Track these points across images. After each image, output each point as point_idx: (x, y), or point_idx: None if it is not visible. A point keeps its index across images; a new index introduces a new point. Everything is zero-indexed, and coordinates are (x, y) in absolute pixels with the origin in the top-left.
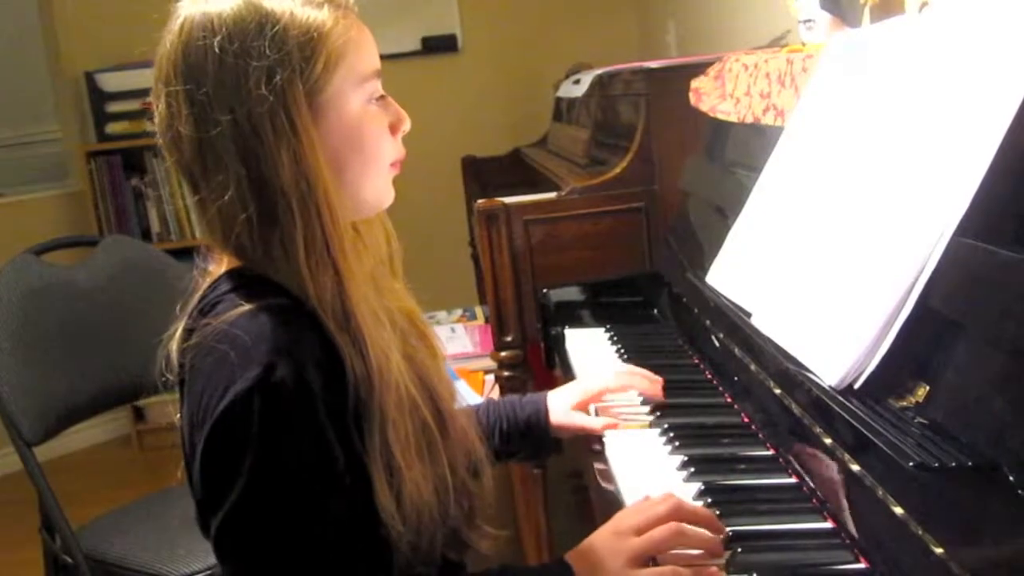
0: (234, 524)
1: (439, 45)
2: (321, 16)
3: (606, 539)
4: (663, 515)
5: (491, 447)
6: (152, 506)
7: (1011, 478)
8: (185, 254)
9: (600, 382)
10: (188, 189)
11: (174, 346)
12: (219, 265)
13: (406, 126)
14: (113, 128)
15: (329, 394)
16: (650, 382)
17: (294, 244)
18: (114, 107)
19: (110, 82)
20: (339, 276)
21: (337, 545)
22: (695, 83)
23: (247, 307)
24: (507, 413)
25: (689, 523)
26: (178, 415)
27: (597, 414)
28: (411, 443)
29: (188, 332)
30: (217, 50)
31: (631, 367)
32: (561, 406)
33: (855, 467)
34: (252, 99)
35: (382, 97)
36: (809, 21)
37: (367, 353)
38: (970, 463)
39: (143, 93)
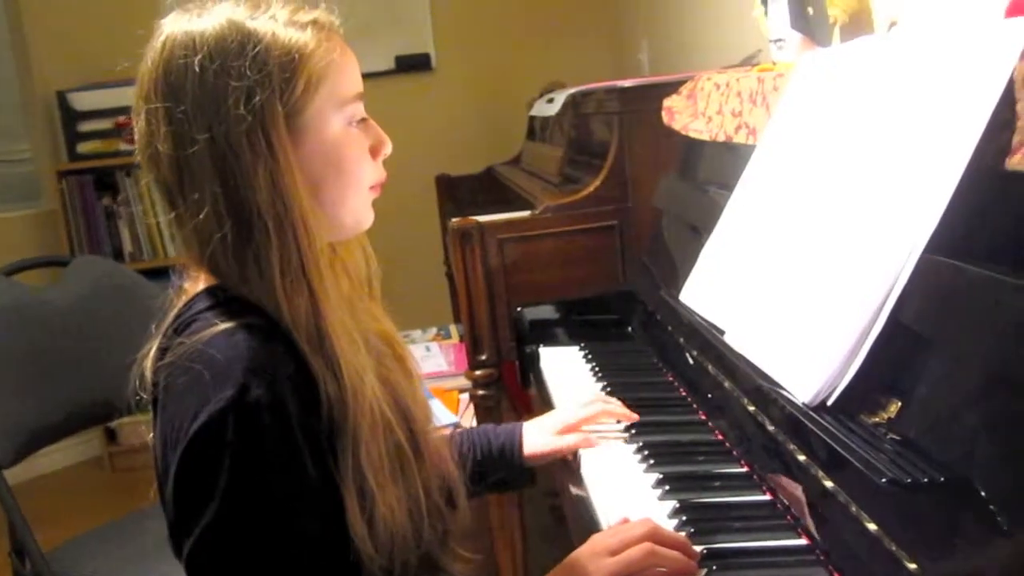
0: (207, 546)
1: (413, 64)
2: (304, 37)
3: (582, 560)
4: (638, 536)
5: (465, 478)
6: (124, 528)
7: (982, 493)
8: (158, 274)
9: (581, 413)
10: (166, 206)
11: (148, 364)
12: (195, 283)
13: (387, 149)
14: (85, 147)
15: (304, 415)
16: (626, 411)
17: (269, 265)
18: (86, 126)
19: (82, 101)
20: (314, 298)
21: (311, 567)
22: (668, 102)
23: (222, 326)
24: (481, 443)
25: (663, 546)
26: (151, 434)
27: None
28: (384, 465)
29: (162, 351)
30: (197, 69)
31: (603, 396)
32: (536, 437)
33: (828, 483)
34: (231, 119)
35: (363, 120)
36: (780, 41)
37: (341, 375)
38: (942, 478)
39: (115, 112)
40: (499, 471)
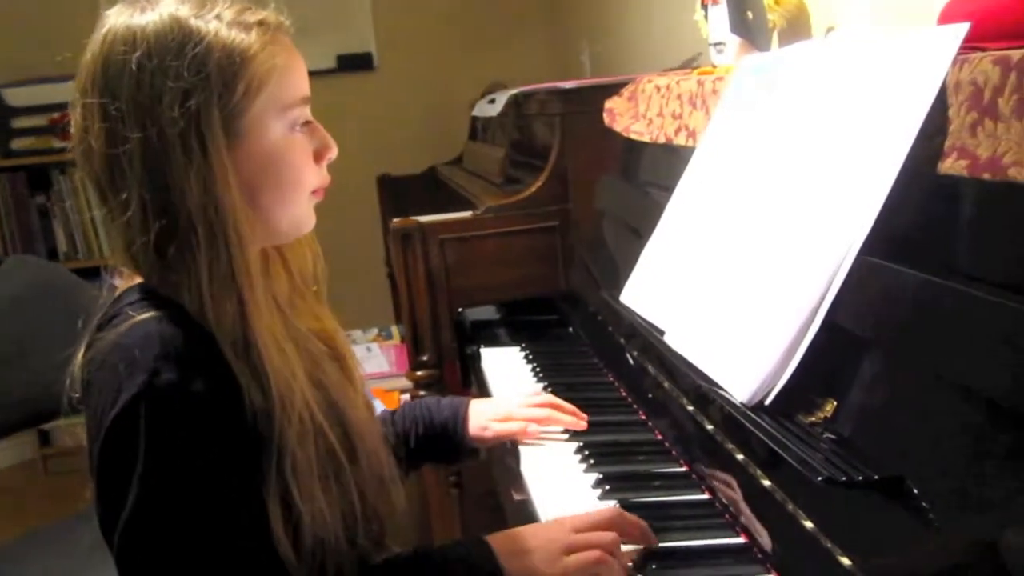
0: (133, 536)
1: (354, 63)
2: (248, 40)
3: (543, 528)
4: (603, 521)
5: (406, 451)
6: (59, 532)
7: (915, 490)
8: (93, 273)
9: (525, 413)
10: (97, 201)
11: (78, 363)
12: (127, 280)
13: (332, 154)
14: (19, 144)
15: (223, 407)
16: (573, 418)
17: (196, 269)
18: (20, 122)
19: (16, 97)
20: (243, 305)
21: (237, 551)
22: (609, 103)
23: (139, 318)
24: (423, 416)
25: (626, 530)
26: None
27: None
28: (313, 473)
29: (88, 348)
30: (135, 66)
31: (552, 398)
32: (481, 418)
33: (766, 482)
34: (165, 119)
35: (308, 123)
36: (720, 44)
37: (268, 384)
38: (876, 476)
39: (50, 108)
40: (441, 446)
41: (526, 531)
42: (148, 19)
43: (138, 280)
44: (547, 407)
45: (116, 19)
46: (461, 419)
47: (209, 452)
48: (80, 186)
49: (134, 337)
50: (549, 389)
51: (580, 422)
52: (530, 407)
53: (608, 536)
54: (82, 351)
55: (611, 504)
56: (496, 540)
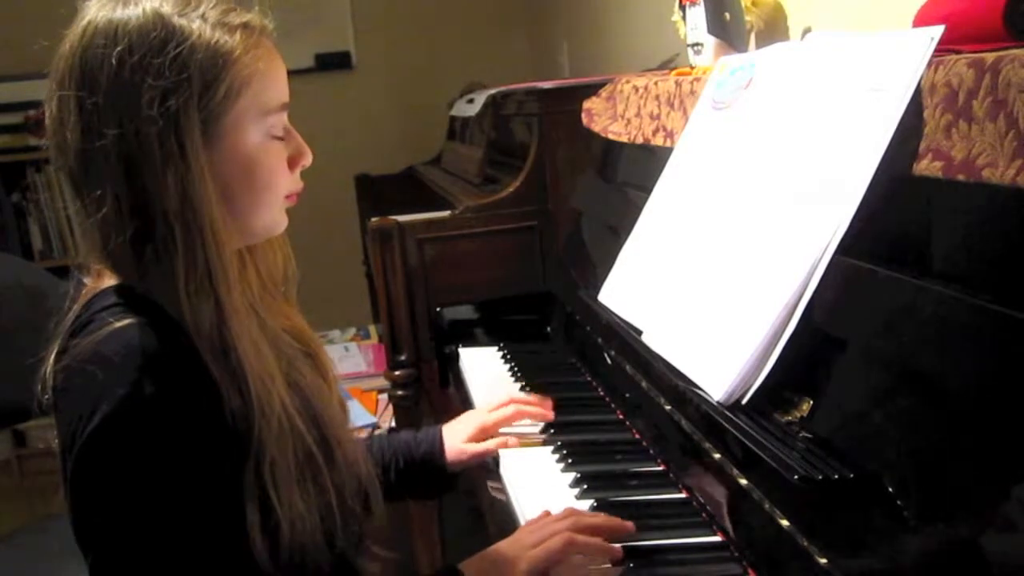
0: (110, 548)
1: (333, 62)
2: (231, 42)
3: (504, 550)
4: (560, 529)
5: (386, 484)
6: (33, 534)
7: (890, 489)
8: (69, 272)
9: (496, 416)
10: (71, 195)
11: (49, 367)
12: (97, 280)
13: (306, 161)
14: None
15: (203, 417)
16: (541, 409)
17: (173, 270)
18: None
19: None
20: (220, 307)
21: (215, 562)
22: (587, 104)
23: (117, 325)
24: (403, 450)
25: (586, 532)
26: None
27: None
28: (292, 477)
29: (61, 353)
30: (115, 61)
31: (517, 394)
32: (456, 440)
33: (743, 481)
34: (142, 117)
35: (285, 129)
36: (697, 45)
37: (246, 387)
38: (851, 475)
39: (26, 106)
40: (423, 479)
41: (491, 552)
42: (131, 14)
43: (109, 280)
44: (511, 404)
45: (97, 12)
46: (439, 451)
47: (188, 464)
48: (56, 184)
49: (113, 346)
50: (527, 389)
51: (547, 413)
52: (496, 410)
53: (561, 540)
54: (55, 355)
55: (588, 503)
56: (468, 567)
